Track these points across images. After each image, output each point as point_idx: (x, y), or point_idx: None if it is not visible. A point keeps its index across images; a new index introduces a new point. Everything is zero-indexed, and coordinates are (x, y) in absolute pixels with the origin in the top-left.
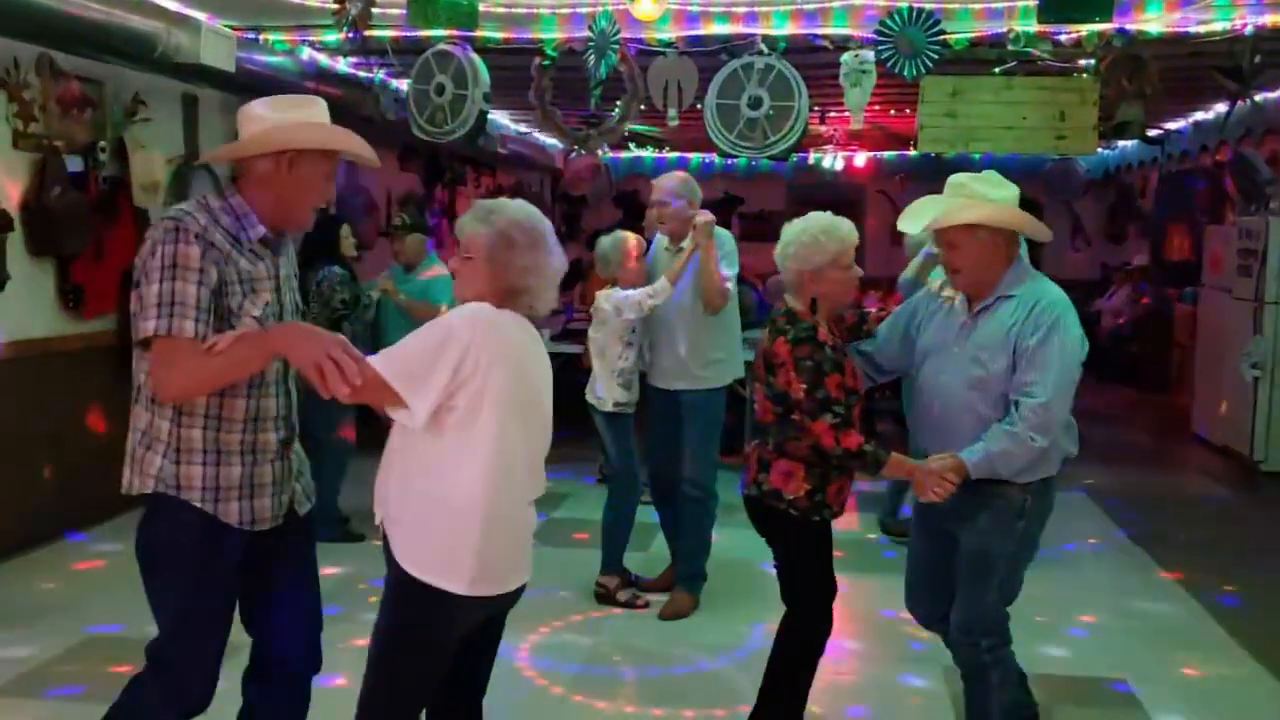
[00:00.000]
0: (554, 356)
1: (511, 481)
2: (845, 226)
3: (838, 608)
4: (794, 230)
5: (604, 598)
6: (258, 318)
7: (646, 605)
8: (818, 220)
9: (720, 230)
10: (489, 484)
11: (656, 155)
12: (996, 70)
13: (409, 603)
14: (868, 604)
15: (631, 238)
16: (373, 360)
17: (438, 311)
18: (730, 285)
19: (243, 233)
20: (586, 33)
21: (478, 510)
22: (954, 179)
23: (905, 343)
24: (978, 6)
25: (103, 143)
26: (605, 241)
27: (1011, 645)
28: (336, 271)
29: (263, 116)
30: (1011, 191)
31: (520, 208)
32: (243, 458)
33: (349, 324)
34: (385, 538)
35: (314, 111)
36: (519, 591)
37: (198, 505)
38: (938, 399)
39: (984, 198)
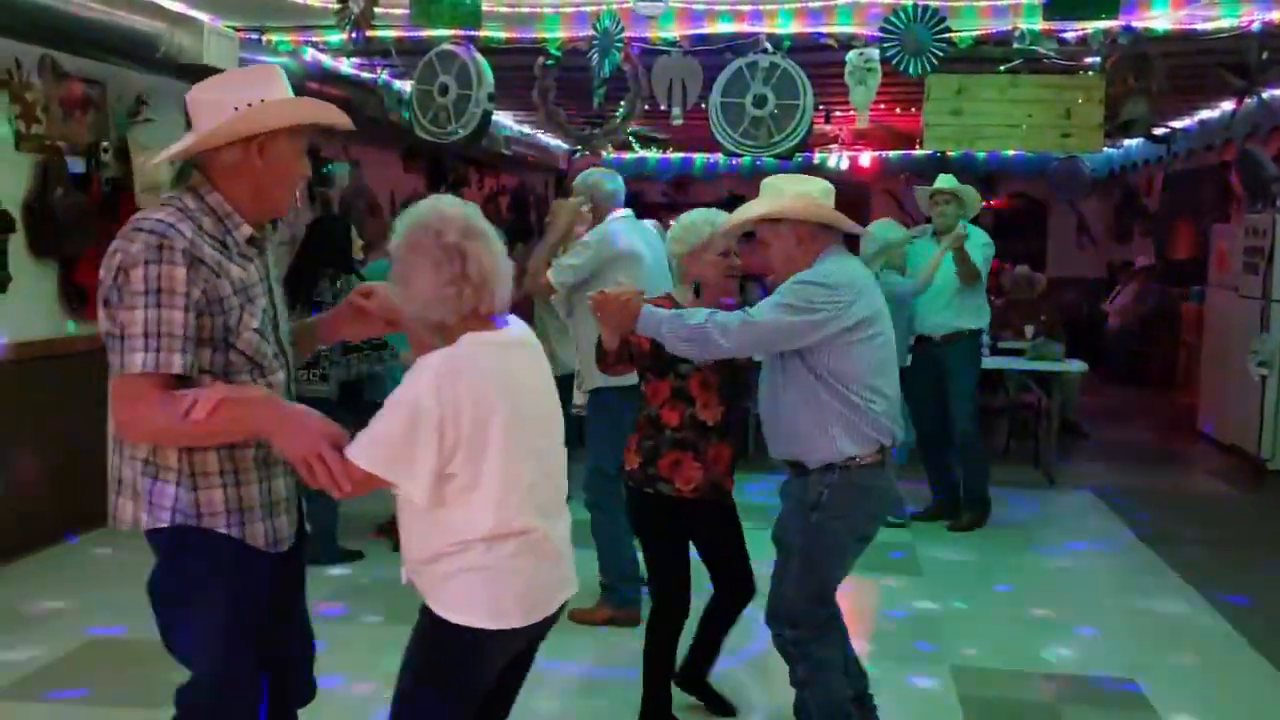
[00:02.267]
0: None
1: (532, 506)
2: (722, 217)
3: (842, 603)
4: (680, 219)
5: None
6: (257, 329)
7: None
8: (700, 211)
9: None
10: (507, 521)
11: (661, 156)
12: (1002, 68)
13: (443, 645)
14: (873, 604)
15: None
16: (352, 454)
17: None
18: (555, 279)
19: (228, 235)
20: (590, 32)
21: (503, 548)
22: (766, 181)
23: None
24: (983, 4)
25: (105, 144)
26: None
27: (827, 641)
28: (355, 282)
29: (219, 101)
30: (814, 186)
31: (407, 230)
32: (258, 474)
33: (368, 361)
34: (411, 584)
35: (274, 85)
36: (559, 611)
37: (223, 532)
38: (765, 394)
39: (782, 193)
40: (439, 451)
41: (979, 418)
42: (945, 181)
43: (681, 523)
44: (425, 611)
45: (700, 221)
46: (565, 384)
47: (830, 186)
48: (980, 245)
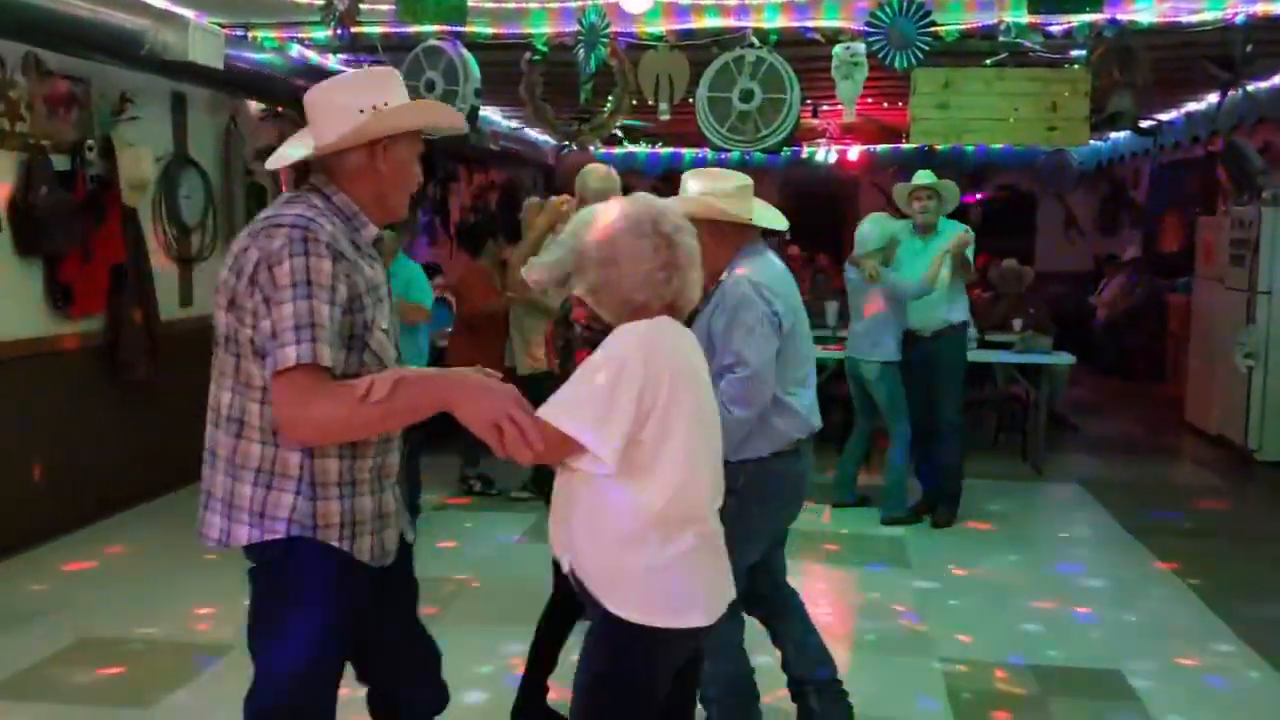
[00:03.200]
0: None
1: (704, 499)
2: None
3: (832, 596)
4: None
5: None
6: (385, 330)
7: None
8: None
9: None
10: (684, 512)
11: (650, 151)
12: (988, 62)
13: (623, 648)
14: (862, 594)
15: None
16: (546, 414)
17: (425, 312)
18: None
19: (356, 234)
20: (576, 27)
21: (682, 542)
22: (686, 176)
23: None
24: None
25: (90, 141)
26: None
27: (730, 619)
28: None
29: (346, 104)
30: (726, 183)
31: (601, 229)
32: (372, 486)
33: None
34: (577, 582)
35: (396, 89)
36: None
37: (336, 545)
38: None
39: (685, 194)
40: (635, 415)
41: (964, 410)
42: (925, 177)
43: None
44: (600, 613)
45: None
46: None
47: (748, 181)
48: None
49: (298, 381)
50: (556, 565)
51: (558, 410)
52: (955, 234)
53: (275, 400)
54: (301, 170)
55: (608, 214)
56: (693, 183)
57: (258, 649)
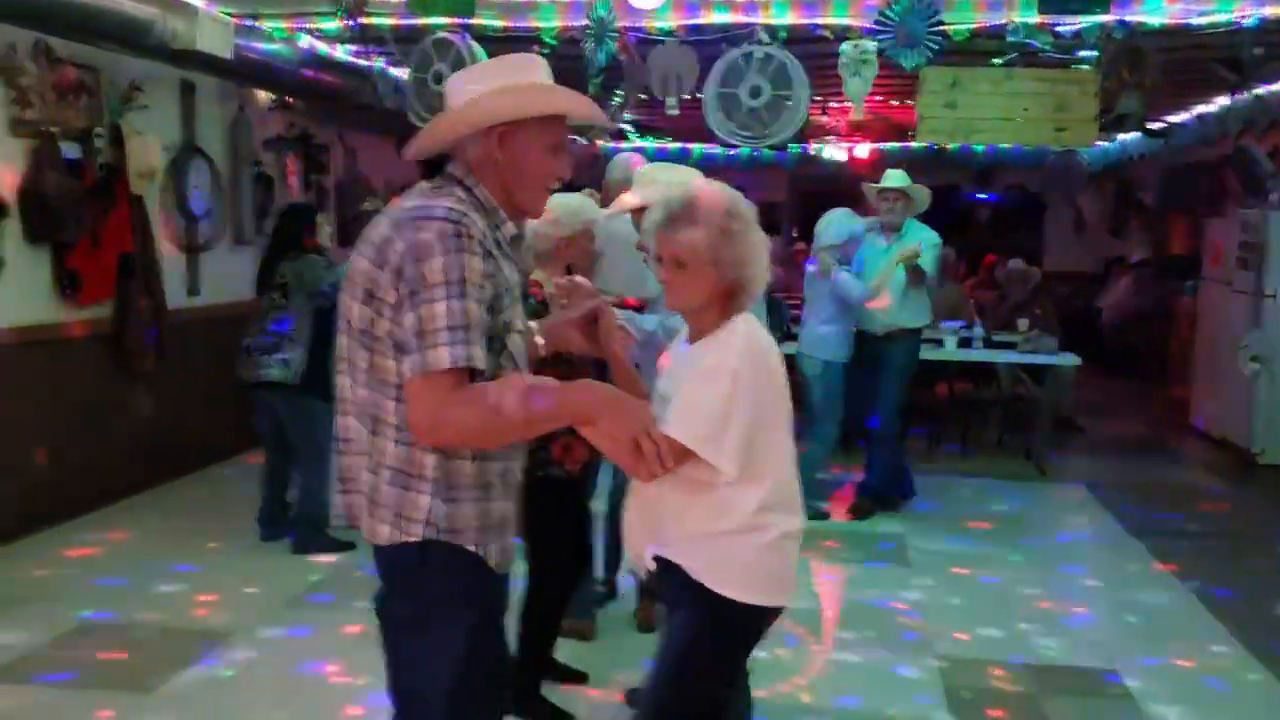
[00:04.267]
0: None
1: (798, 490)
2: (591, 205)
3: (832, 593)
4: (559, 201)
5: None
6: (521, 332)
7: None
8: (577, 197)
9: None
10: (785, 501)
11: (658, 146)
12: (996, 61)
13: (723, 623)
14: (861, 593)
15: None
16: (674, 430)
17: None
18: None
19: (497, 231)
20: (585, 21)
21: (784, 526)
22: (639, 170)
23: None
24: None
25: (99, 129)
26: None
27: None
28: (315, 258)
29: (463, 90)
30: (687, 175)
31: (716, 192)
32: (499, 490)
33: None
34: (668, 568)
35: (531, 74)
36: None
37: (471, 549)
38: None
39: (654, 182)
40: (750, 421)
41: (904, 414)
42: (894, 179)
43: (569, 504)
44: (699, 592)
45: (582, 207)
46: None
47: (697, 175)
48: (930, 245)
49: (442, 384)
50: (535, 555)
51: (681, 426)
52: (909, 243)
53: (415, 400)
54: (434, 164)
55: (723, 194)
56: (660, 173)
57: (399, 665)
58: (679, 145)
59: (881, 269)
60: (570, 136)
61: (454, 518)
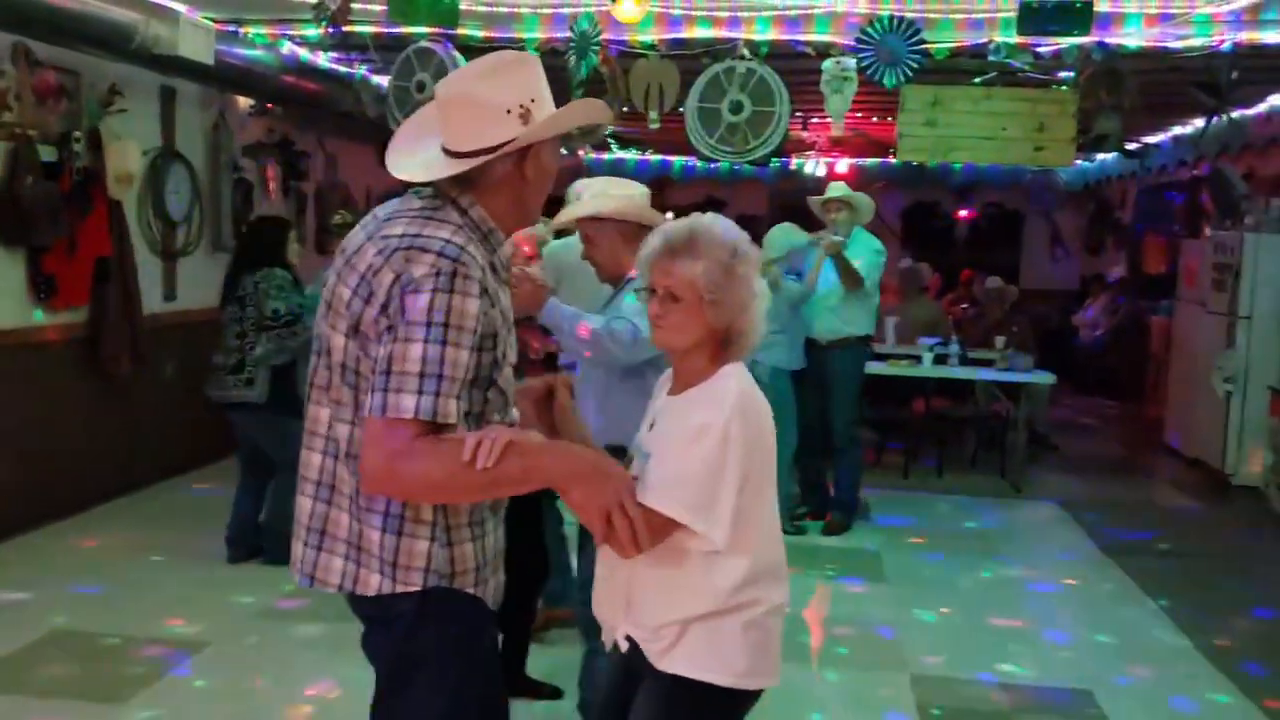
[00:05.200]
0: None
1: (779, 557)
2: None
3: (806, 608)
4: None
5: None
6: (513, 364)
7: None
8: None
9: None
10: (772, 567)
11: (639, 158)
12: (977, 80)
13: (703, 713)
14: (835, 610)
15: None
16: (651, 499)
17: None
18: None
19: (493, 255)
20: (568, 33)
21: (775, 596)
22: (587, 181)
23: None
24: (959, 16)
25: (78, 133)
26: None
27: None
28: (278, 274)
29: (495, 104)
30: (635, 189)
31: (722, 226)
32: (492, 522)
33: (278, 339)
34: (638, 653)
35: (539, 79)
36: None
37: (470, 592)
38: (596, 388)
39: (607, 195)
40: (741, 481)
41: (860, 423)
42: (836, 189)
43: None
44: (675, 679)
45: None
46: None
47: (647, 190)
48: (871, 251)
49: (400, 432)
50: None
51: (664, 495)
52: (854, 252)
53: (369, 442)
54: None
55: (728, 231)
56: (609, 186)
57: (395, 712)
58: (660, 158)
59: (813, 262)
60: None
61: (454, 561)
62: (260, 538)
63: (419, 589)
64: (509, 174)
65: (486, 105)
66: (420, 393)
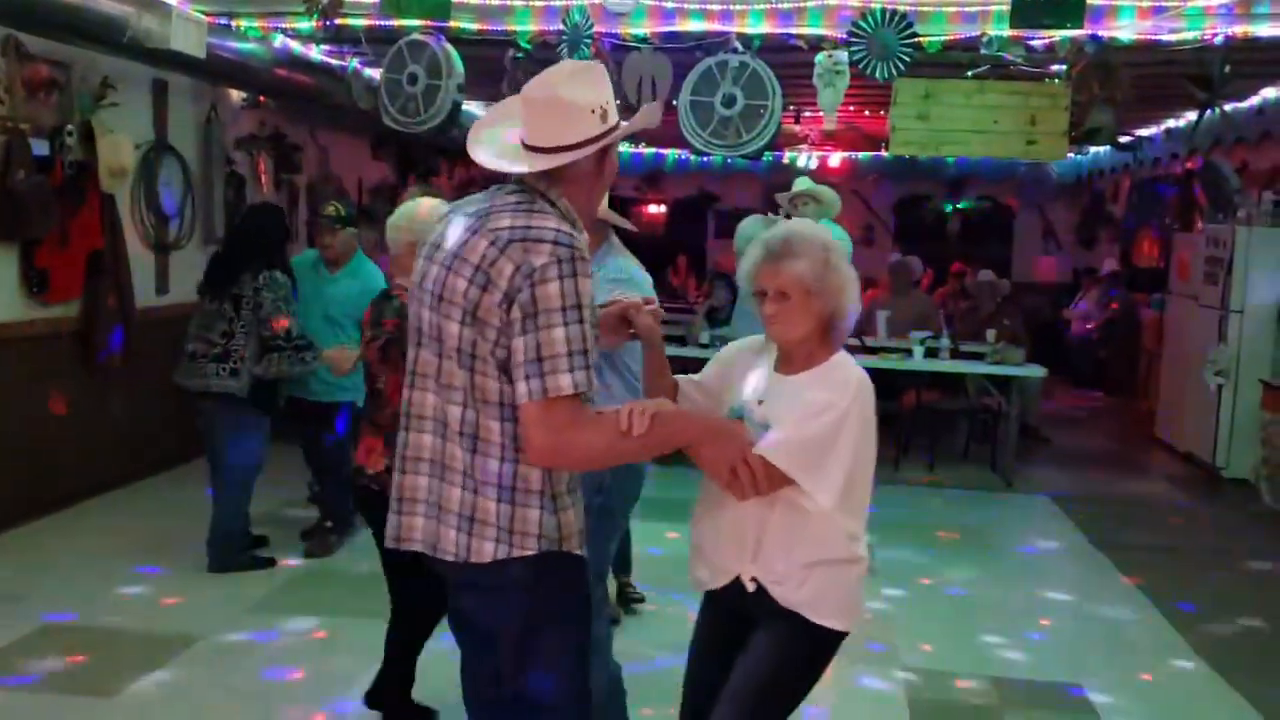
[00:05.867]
0: None
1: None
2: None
3: None
4: (404, 208)
5: None
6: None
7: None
8: (430, 202)
9: None
10: (862, 534)
11: (632, 150)
12: (969, 74)
13: (818, 654)
14: None
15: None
16: (770, 451)
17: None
18: None
19: None
20: (560, 26)
21: (867, 560)
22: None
23: None
24: (951, 10)
25: (70, 126)
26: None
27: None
28: (281, 281)
29: (584, 106)
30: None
31: (809, 228)
32: (579, 492)
33: (301, 361)
34: (764, 599)
35: (608, 84)
36: None
37: (578, 553)
38: None
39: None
40: (853, 459)
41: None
42: (802, 184)
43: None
44: (797, 621)
45: (430, 214)
46: None
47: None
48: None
49: (563, 408)
50: (397, 569)
51: (781, 453)
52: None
53: (534, 424)
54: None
55: (815, 230)
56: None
57: (523, 681)
58: (653, 150)
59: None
60: None
61: (561, 526)
62: (207, 545)
63: (534, 553)
64: (589, 169)
65: (574, 105)
66: (572, 370)
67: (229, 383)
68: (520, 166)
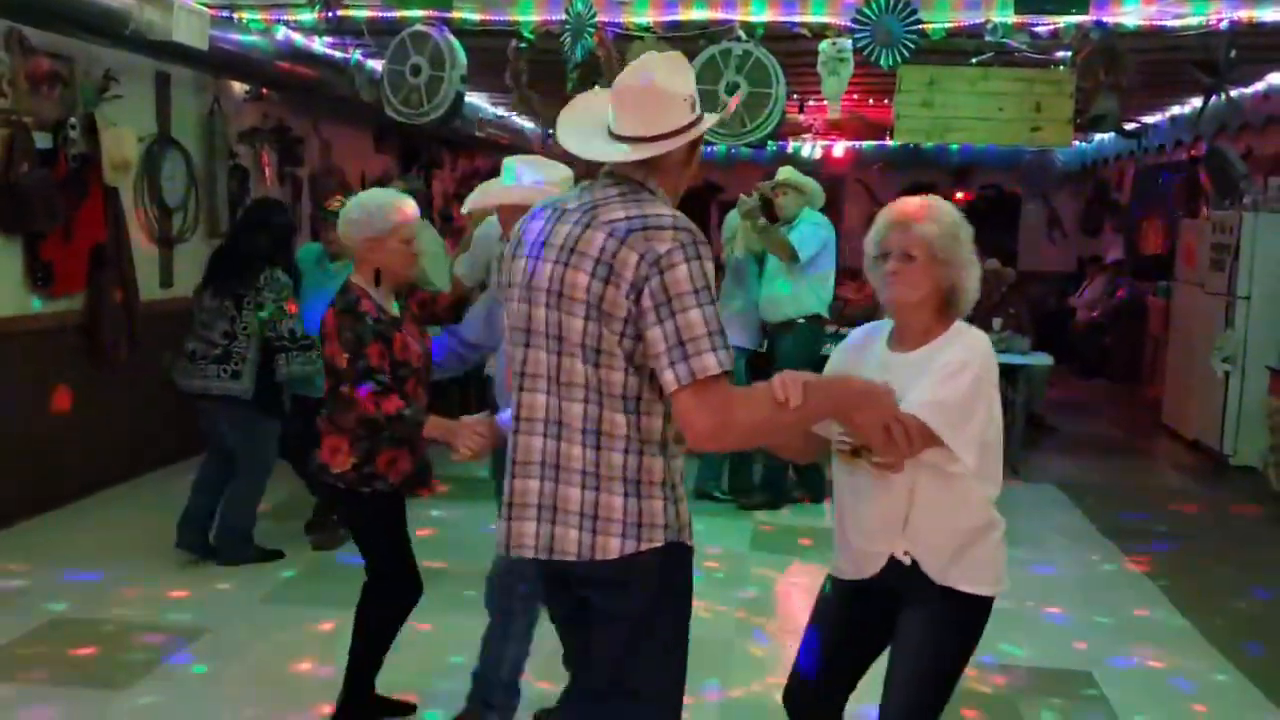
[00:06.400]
0: None
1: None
2: (408, 202)
3: (805, 591)
4: (358, 200)
5: None
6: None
7: None
8: (383, 192)
9: None
10: (996, 496)
11: None
12: (974, 61)
13: (973, 622)
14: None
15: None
16: (919, 411)
17: None
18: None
19: None
20: (563, 16)
21: (1004, 524)
22: (507, 161)
23: (488, 321)
24: None
25: (73, 120)
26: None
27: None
28: (284, 282)
29: (678, 95)
30: (556, 174)
31: (946, 204)
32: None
33: (314, 361)
34: (914, 572)
35: (692, 75)
36: None
37: (690, 544)
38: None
39: (520, 178)
40: (986, 419)
41: None
42: (784, 173)
43: (397, 514)
44: (951, 593)
45: (386, 206)
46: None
47: (569, 174)
48: (812, 225)
49: (716, 389)
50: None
51: (929, 411)
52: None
53: (693, 409)
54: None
55: (950, 206)
56: (527, 171)
57: (635, 671)
58: None
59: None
60: (548, 131)
61: (679, 515)
62: (216, 538)
63: (662, 544)
64: (680, 158)
65: (668, 94)
66: (715, 349)
67: (231, 385)
68: (617, 156)
